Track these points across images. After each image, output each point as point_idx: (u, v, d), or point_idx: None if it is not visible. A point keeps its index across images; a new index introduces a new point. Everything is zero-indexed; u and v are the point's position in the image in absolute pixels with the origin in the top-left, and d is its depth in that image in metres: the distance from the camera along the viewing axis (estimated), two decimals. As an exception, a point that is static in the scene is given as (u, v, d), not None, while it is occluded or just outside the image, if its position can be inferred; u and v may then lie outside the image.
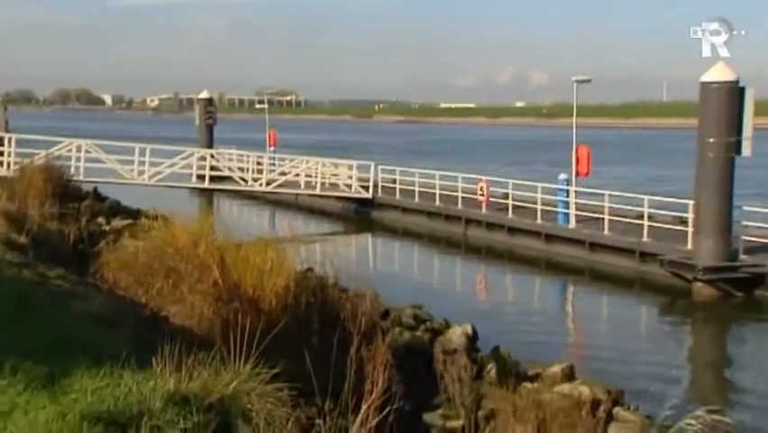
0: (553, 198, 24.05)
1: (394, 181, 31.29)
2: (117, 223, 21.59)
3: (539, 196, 23.65)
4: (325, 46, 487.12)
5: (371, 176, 30.88)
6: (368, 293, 9.46)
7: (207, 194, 34.28)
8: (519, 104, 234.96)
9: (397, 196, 29.89)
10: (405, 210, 29.35)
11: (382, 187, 30.99)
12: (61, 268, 12.89)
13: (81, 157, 25.77)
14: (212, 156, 30.86)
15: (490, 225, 25.24)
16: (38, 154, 24.36)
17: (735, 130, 16.73)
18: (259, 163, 33.72)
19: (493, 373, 9.52)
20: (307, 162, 31.09)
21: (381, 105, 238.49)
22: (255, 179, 30.31)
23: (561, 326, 17.21)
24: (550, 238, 22.91)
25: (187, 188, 31.28)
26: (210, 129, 40.87)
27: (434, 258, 25.62)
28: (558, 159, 61.84)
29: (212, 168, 29.67)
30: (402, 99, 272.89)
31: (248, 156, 33.93)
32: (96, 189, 27.36)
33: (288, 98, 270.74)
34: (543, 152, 70.29)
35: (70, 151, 25.90)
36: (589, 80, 22.24)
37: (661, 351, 14.65)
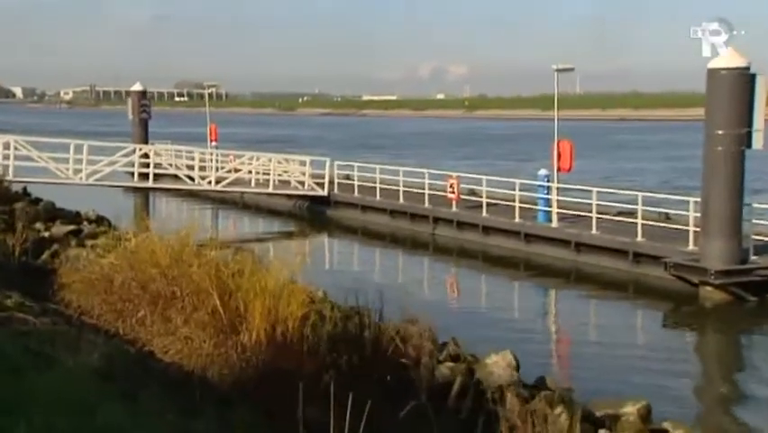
0: (527, 194, 22.81)
1: (347, 177, 29.61)
2: (58, 229, 19.17)
3: (517, 193, 22.27)
4: (246, 39, 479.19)
5: (327, 172, 29.07)
6: (421, 328, 7.68)
7: (142, 193, 31.82)
8: (440, 96, 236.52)
9: (356, 193, 28.16)
10: (365, 208, 27.64)
11: (338, 184, 29.21)
12: (15, 291, 10.78)
13: (10, 155, 23.09)
14: (155, 153, 28.48)
15: (462, 225, 23.77)
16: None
17: (745, 121, 15.64)
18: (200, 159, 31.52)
19: (564, 418, 7.93)
20: (258, 159, 29.02)
21: (305, 98, 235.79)
22: (203, 177, 28.06)
23: (557, 338, 15.71)
24: (530, 238, 21.58)
25: (127, 187, 28.84)
26: (145, 123, 38.24)
27: (398, 260, 24.03)
28: (506, 152, 61.39)
29: (155, 165, 27.30)
30: (324, 92, 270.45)
31: (191, 152, 31.67)
32: (25, 190, 24.76)
33: (209, 91, 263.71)
34: (487, 145, 69.47)
35: (-3, 148, 23.23)
36: (572, 69, 20.95)
37: (679, 365, 13.37)
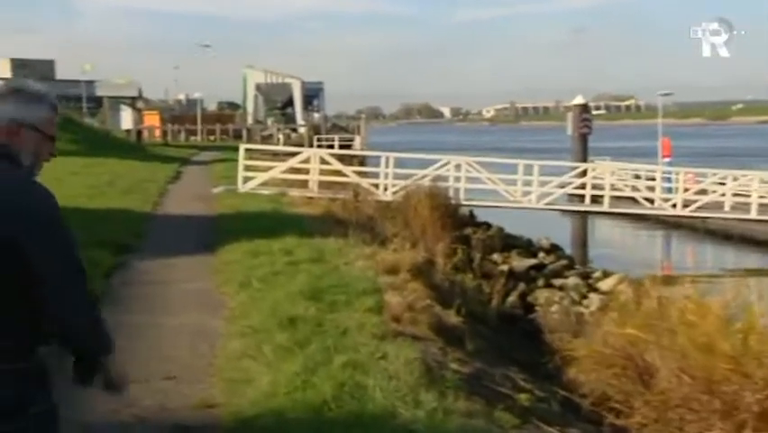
0: None
1: None
2: (519, 263, 16.72)
3: None
4: (661, 47, 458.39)
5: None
6: None
7: (578, 215, 28.65)
8: None
9: None
10: None
11: None
12: (511, 366, 8.00)
13: (461, 177, 21.58)
14: (611, 172, 25.15)
15: None
16: (414, 175, 20.67)
17: None
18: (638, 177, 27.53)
19: None
20: (735, 179, 23.99)
21: (738, 106, 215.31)
22: (665, 200, 23.91)
23: None
24: None
25: (577, 211, 25.95)
26: (584, 138, 35.13)
27: None
28: None
29: (599, 186, 23.98)
30: (759, 98, 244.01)
31: (642, 171, 27.90)
32: (471, 213, 23.10)
33: (627, 103, 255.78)
34: None
35: (448, 170, 21.84)
36: None
37: None
